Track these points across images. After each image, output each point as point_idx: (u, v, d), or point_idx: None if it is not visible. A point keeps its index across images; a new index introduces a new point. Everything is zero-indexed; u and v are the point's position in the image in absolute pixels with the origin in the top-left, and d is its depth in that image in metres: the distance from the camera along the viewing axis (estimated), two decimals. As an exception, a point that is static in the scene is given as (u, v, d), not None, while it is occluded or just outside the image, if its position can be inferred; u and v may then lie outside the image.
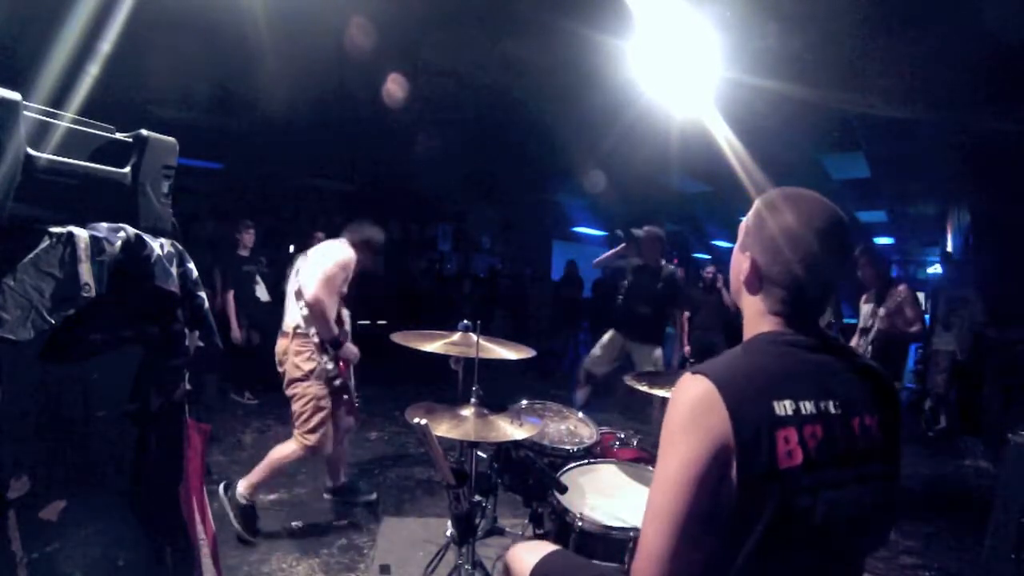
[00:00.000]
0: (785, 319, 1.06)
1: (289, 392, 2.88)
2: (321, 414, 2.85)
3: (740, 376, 0.96)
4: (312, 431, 2.83)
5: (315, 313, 2.79)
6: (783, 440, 0.92)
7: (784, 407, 0.94)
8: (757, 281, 1.08)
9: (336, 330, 2.90)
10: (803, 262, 1.02)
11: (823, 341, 1.05)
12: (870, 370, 1.07)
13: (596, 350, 4.65)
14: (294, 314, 2.87)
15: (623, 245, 4.71)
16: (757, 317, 1.09)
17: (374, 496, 3.37)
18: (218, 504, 3.19)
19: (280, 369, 2.92)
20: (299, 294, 2.84)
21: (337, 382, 2.90)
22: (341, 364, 2.95)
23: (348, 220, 3.20)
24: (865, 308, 3.90)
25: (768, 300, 1.07)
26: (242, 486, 2.84)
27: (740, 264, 1.12)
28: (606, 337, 4.62)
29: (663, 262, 4.51)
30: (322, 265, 2.84)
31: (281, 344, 2.91)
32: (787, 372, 0.99)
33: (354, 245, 3.03)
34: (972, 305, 5.48)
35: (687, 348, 5.23)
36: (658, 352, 4.45)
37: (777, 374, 0.98)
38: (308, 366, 2.84)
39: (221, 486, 2.87)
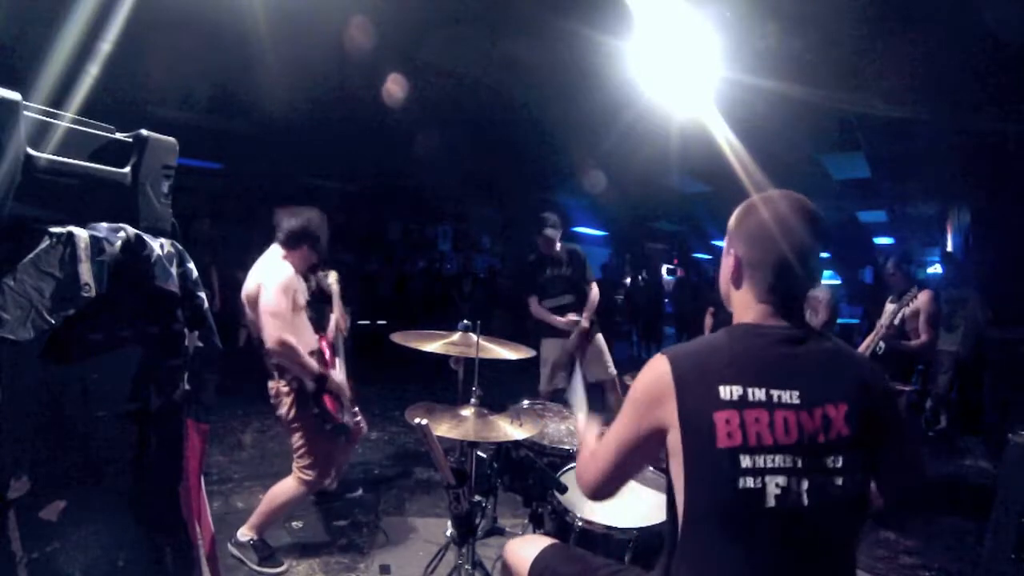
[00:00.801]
0: (769, 308, 1.13)
1: (287, 430, 2.63)
2: (318, 451, 2.61)
3: (696, 358, 1.09)
4: (310, 467, 2.59)
5: (284, 358, 2.44)
6: (723, 421, 1.01)
7: (730, 391, 1.03)
8: (739, 274, 1.17)
9: (314, 366, 2.52)
10: (778, 244, 1.11)
11: (803, 333, 1.10)
12: (849, 362, 1.11)
13: (542, 371, 4.14)
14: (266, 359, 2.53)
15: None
16: (743, 309, 1.17)
17: (359, 492, 3.37)
18: (218, 504, 3.19)
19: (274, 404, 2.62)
20: (259, 339, 2.48)
21: (328, 427, 2.59)
22: (330, 404, 2.59)
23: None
24: (888, 307, 3.92)
25: (752, 290, 1.15)
26: (241, 532, 2.59)
27: (727, 267, 1.21)
28: (542, 352, 4.10)
29: (557, 247, 4.09)
30: (263, 302, 2.41)
31: (271, 386, 2.58)
32: (745, 359, 1.07)
33: (290, 252, 2.59)
34: (973, 305, 5.48)
35: None
36: (601, 341, 4.09)
37: (733, 360, 1.07)
38: (294, 413, 2.55)
39: (228, 546, 2.57)
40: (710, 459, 1.02)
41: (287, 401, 2.54)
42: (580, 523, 1.72)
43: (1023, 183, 5.90)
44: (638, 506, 1.84)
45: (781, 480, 1.00)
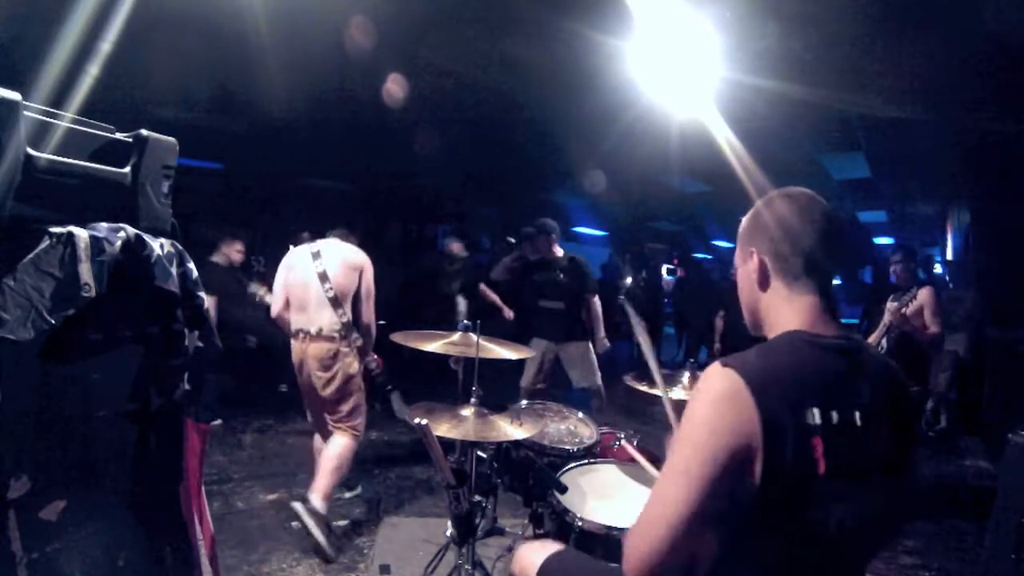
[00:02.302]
0: (810, 303, 1.03)
1: (335, 393, 2.93)
2: (364, 407, 3.08)
3: (771, 377, 0.92)
4: (361, 423, 3.05)
5: (371, 334, 3.07)
6: (811, 448, 0.90)
7: (814, 415, 0.91)
8: (765, 274, 1.07)
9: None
10: (807, 231, 1.03)
11: (855, 343, 1.02)
12: (891, 375, 1.05)
13: (527, 367, 4.20)
14: (330, 318, 2.91)
15: (515, 253, 4.51)
16: (780, 311, 1.06)
17: (359, 490, 3.40)
18: (218, 504, 3.19)
19: (318, 372, 2.91)
20: (336, 301, 2.90)
21: (380, 379, 3.29)
22: (378, 359, 3.31)
23: (349, 219, 3.25)
24: (891, 306, 3.92)
25: (786, 286, 1.05)
26: (317, 500, 2.78)
27: (747, 273, 1.11)
28: (531, 350, 4.23)
29: (559, 252, 4.21)
30: (367, 285, 3.03)
31: (321, 347, 2.90)
32: (816, 378, 0.96)
33: (362, 244, 3.18)
34: (971, 305, 5.48)
35: (717, 346, 5.20)
36: (587, 347, 4.13)
37: (807, 379, 0.95)
38: (357, 366, 2.99)
39: (298, 504, 2.77)
40: (790, 490, 0.90)
41: (351, 361, 2.95)
42: (580, 523, 1.72)
43: (1023, 183, 5.89)
44: (638, 506, 1.84)
45: (845, 506, 0.94)
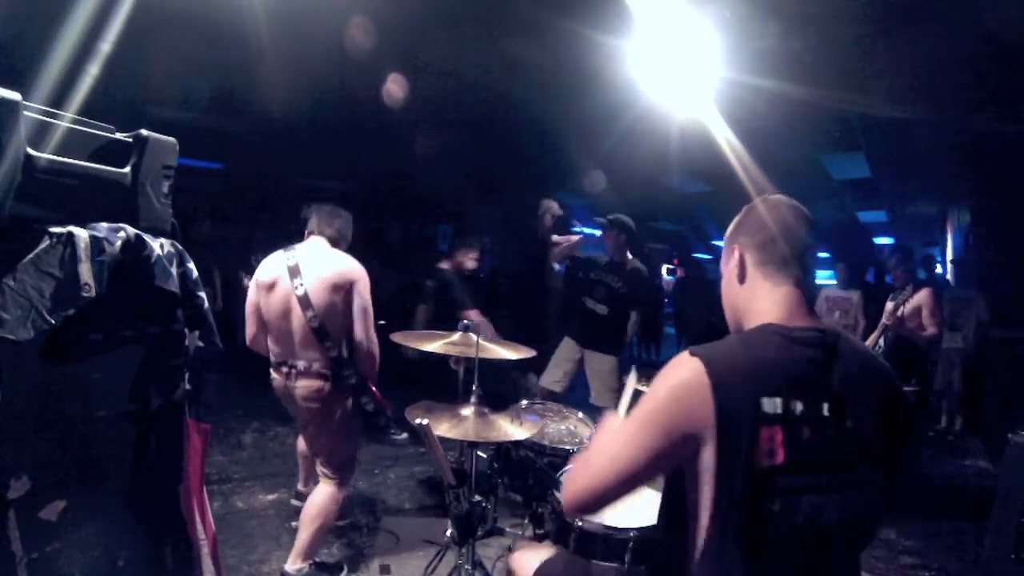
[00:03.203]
0: (786, 294, 1.06)
1: (322, 436, 2.46)
2: (353, 450, 2.56)
3: (735, 367, 0.96)
4: (348, 472, 2.52)
5: (371, 355, 2.41)
6: (766, 438, 0.92)
7: (774, 404, 0.93)
8: (743, 268, 1.12)
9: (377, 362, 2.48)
10: (783, 221, 1.09)
11: (833, 337, 1.02)
12: (874, 368, 1.05)
13: (551, 364, 3.95)
14: (317, 355, 2.34)
15: (580, 237, 4.07)
16: (757, 302, 1.09)
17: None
18: (218, 504, 3.19)
19: (309, 411, 2.40)
20: (322, 332, 2.31)
21: (383, 421, 2.59)
22: (379, 396, 2.55)
23: (331, 210, 2.63)
24: (889, 306, 3.92)
25: (765, 277, 1.09)
26: (292, 566, 2.37)
27: (730, 270, 1.15)
28: (559, 349, 3.97)
29: (628, 255, 3.88)
30: (364, 297, 2.37)
31: (310, 386, 2.35)
32: (783, 368, 0.97)
33: (339, 243, 2.54)
34: (978, 305, 5.47)
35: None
36: (612, 364, 3.82)
37: (772, 370, 0.97)
38: (349, 407, 2.45)
39: None
40: (747, 478, 0.92)
41: (341, 399, 2.40)
42: (580, 523, 1.72)
43: (1023, 183, 5.89)
44: (638, 506, 1.84)
45: (815, 499, 0.94)
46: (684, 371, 0.96)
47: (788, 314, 1.04)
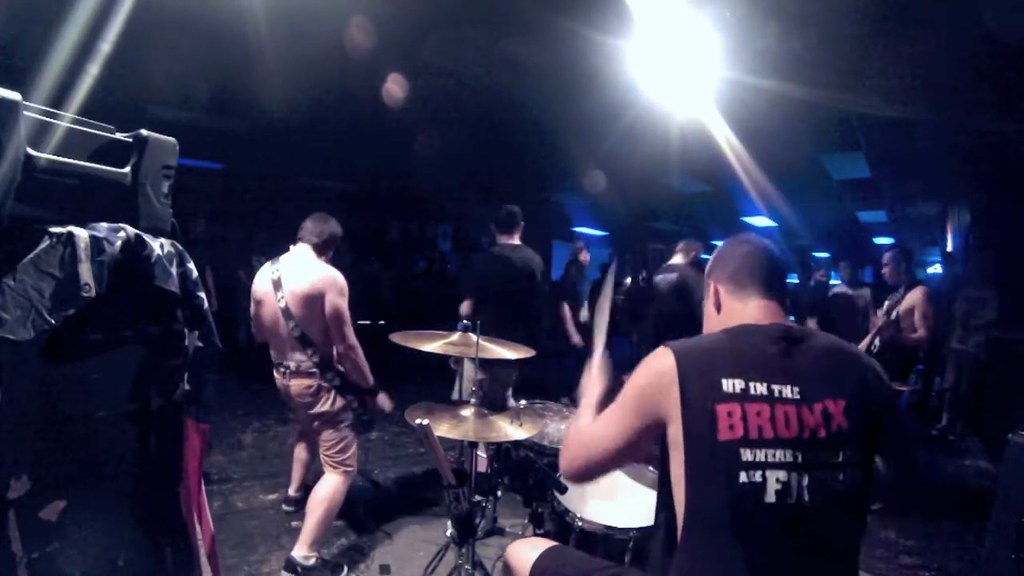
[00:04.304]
0: (762, 302, 1.22)
1: (322, 426, 2.60)
2: (352, 442, 2.68)
3: (699, 352, 1.12)
4: (349, 459, 2.65)
5: (351, 359, 2.54)
6: (725, 414, 1.03)
7: (732, 384, 1.05)
8: (718, 297, 1.29)
9: (367, 366, 2.60)
10: (748, 249, 1.29)
11: (800, 331, 1.15)
12: (848, 359, 1.12)
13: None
14: (302, 358, 2.52)
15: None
16: (733, 317, 1.24)
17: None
18: (218, 504, 3.19)
19: (305, 407, 2.58)
20: (304, 339, 2.49)
21: (365, 417, 2.67)
22: (364, 395, 2.67)
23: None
24: (884, 307, 3.94)
25: (735, 295, 1.25)
26: (302, 552, 2.48)
27: (709, 305, 1.32)
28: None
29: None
30: (338, 305, 2.48)
31: (301, 384, 2.54)
32: (746, 355, 1.09)
33: (323, 256, 2.66)
34: (992, 305, 5.45)
35: None
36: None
37: (735, 356, 1.09)
38: (339, 404, 2.60)
39: (282, 573, 2.49)
40: (711, 452, 1.02)
41: (329, 397, 2.58)
42: (580, 523, 1.72)
43: (1023, 183, 5.89)
44: (638, 506, 1.84)
45: (782, 475, 1.01)
46: (657, 359, 1.13)
47: (760, 317, 1.20)
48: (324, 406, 2.58)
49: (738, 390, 1.04)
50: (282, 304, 2.49)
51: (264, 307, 2.57)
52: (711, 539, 1.03)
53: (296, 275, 2.52)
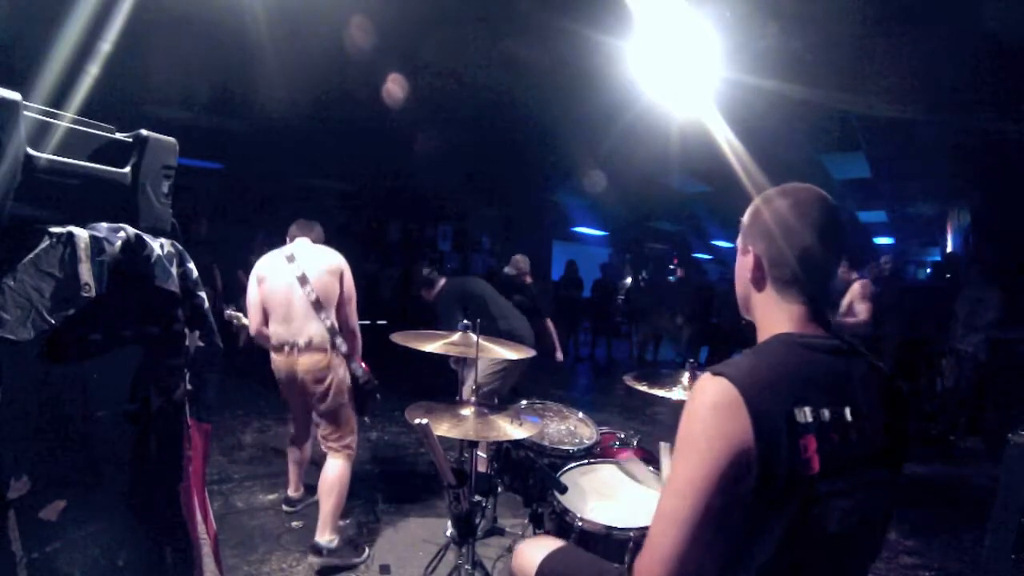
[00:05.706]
0: (803, 310, 1.05)
1: (331, 405, 2.74)
2: (354, 423, 2.85)
3: (761, 380, 0.93)
4: (353, 440, 2.82)
5: (351, 334, 2.82)
6: (803, 448, 0.90)
7: (805, 414, 0.92)
8: (762, 274, 1.08)
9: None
10: (800, 234, 1.03)
11: (837, 340, 1.03)
12: (879, 373, 1.07)
13: None
14: (318, 327, 2.69)
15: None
16: (771, 315, 1.07)
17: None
18: (218, 504, 3.19)
19: (312, 386, 2.72)
20: (319, 304, 2.68)
21: (370, 387, 2.87)
22: (364, 366, 2.88)
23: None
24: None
25: (778, 291, 1.06)
26: (326, 536, 2.63)
27: (744, 267, 1.11)
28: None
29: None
30: (351, 287, 2.81)
31: (313, 359, 2.69)
32: (806, 377, 0.97)
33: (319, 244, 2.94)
34: (996, 305, 5.45)
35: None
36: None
37: (797, 379, 0.96)
38: (345, 375, 2.78)
39: (314, 559, 2.61)
40: (787, 491, 0.89)
41: (342, 372, 2.76)
42: (580, 523, 1.72)
43: (1023, 183, 5.89)
44: (638, 506, 1.84)
45: (844, 503, 0.94)
46: (713, 393, 0.92)
47: (800, 325, 1.04)
48: (335, 380, 2.72)
49: (810, 419, 0.92)
50: (298, 272, 2.69)
51: (274, 282, 2.73)
52: (767, 571, 0.93)
53: (316, 252, 2.80)
